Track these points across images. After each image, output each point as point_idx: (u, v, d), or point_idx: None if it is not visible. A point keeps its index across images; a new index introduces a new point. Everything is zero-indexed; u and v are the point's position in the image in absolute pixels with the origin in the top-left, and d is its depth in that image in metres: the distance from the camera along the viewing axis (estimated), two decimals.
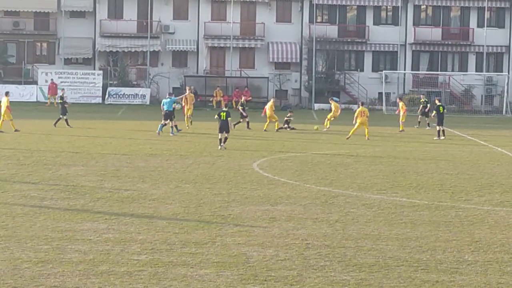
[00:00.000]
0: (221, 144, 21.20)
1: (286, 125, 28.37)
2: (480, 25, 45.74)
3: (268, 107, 28.36)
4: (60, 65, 44.31)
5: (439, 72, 45.65)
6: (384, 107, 42.46)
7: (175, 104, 25.94)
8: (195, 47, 44.89)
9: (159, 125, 25.18)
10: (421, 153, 21.73)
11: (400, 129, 28.78)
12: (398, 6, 45.42)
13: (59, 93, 29.61)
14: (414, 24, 45.91)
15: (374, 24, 45.82)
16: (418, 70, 46.02)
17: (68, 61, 44.63)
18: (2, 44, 44.71)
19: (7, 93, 25.88)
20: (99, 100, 42.41)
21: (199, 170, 16.90)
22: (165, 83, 44.01)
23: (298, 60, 45.32)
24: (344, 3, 45.30)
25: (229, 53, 44.90)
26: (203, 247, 9.87)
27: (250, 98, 39.63)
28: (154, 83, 44.48)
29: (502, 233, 11.24)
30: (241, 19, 45.40)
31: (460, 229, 11.43)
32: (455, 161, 19.97)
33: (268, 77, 44.10)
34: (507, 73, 45.20)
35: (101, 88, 42.56)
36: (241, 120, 28.14)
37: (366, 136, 25.51)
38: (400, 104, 29.85)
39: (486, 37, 44.70)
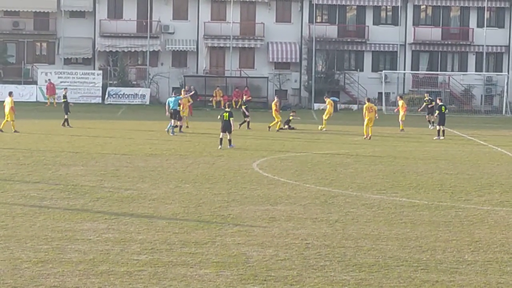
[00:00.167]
0: (221, 144, 21.21)
1: (286, 126, 28.33)
2: (479, 25, 45.75)
3: (272, 105, 28.32)
4: (60, 65, 44.30)
5: (438, 72, 45.66)
6: (384, 107, 42.45)
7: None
8: (195, 47, 44.89)
9: (171, 127, 25.20)
10: (421, 153, 21.74)
11: (400, 128, 28.76)
12: (398, 6, 45.43)
13: (62, 92, 29.56)
14: (413, 24, 45.91)
15: (373, 24, 45.82)
16: (418, 70, 46.02)
17: (68, 61, 44.61)
18: (1, 44, 44.70)
19: (10, 93, 25.90)
20: (99, 100, 42.40)
21: (198, 170, 16.90)
22: (165, 83, 44.01)
23: (298, 60, 45.31)
24: (343, 3, 45.29)
25: (228, 53, 44.89)
26: (203, 247, 9.87)
27: (250, 98, 39.64)
28: (154, 83, 44.48)
29: (502, 233, 11.25)
30: (241, 19, 45.40)
31: (460, 229, 11.43)
32: (455, 161, 19.97)
33: (267, 77, 44.10)
34: (506, 73, 45.19)
35: (100, 88, 42.55)
36: (246, 119, 28.10)
37: (365, 134, 25.50)
38: (400, 103, 29.76)
39: (486, 37, 44.70)
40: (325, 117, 29.12)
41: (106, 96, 42.46)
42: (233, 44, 44.75)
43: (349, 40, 45.52)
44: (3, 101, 26.11)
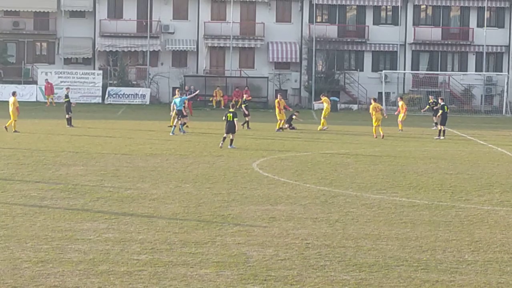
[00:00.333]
0: (223, 141, 21.22)
1: (287, 125, 28.25)
2: (480, 25, 45.75)
3: (275, 104, 28.22)
4: (60, 65, 44.31)
5: (439, 72, 45.66)
6: (384, 107, 42.44)
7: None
8: (195, 47, 44.89)
9: (180, 126, 25.23)
10: (421, 153, 21.74)
11: (399, 128, 28.75)
12: (398, 6, 45.43)
13: (64, 92, 29.53)
14: (414, 24, 45.91)
15: (374, 24, 45.83)
16: (418, 70, 46.02)
17: (68, 61, 44.62)
18: (2, 44, 44.70)
19: (14, 93, 25.94)
20: (99, 100, 42.41)
21: (199, 170, 16.90)
22: (165, 83, 44.02)
23: (298, 60, 45.32)
24: (343, 3, 45.30)
25: (228, 53, 44.90)
26: (203, 247, 9.87)
27: (250, 98, 39.62)
28: (154, 83, 44.49)
29: (502, 233, 11.25)
30: (241, 19, 45.41)
31: (460, 229, 11.43)
32: (455, 161, 19.97)
33: (268, 77, 44.11)
34: (506, 73, 45.21)
35: (101, 88, 42.56)
36: (246, 119, 28.10)
37: (375, 134, 25.52)
38: (400, 103, 29.73)
39: (486, 37, 44.71)
40: (323, 115, 29.09)
41: (106, 96, 42.46)
42: (233, 44, 44.75)
43: (349, 40, 45.52)
44: (7, 101, 26.09)
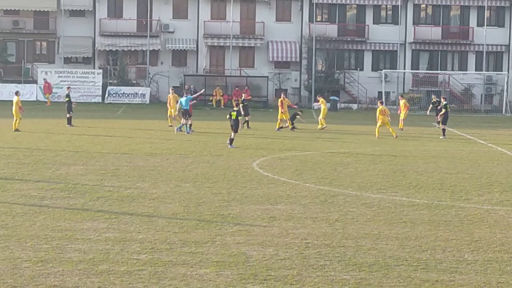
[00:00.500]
0: (232, 144, 21.30)
1: (291, 124, 28.10)
2: (480, 24, 45.74)
3: (278, 103, 28.16)
4: (60, 64, 44.30)
5: (438, 71, 45.65)
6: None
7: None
8: (195, 46, 44.89)
9: (184, 127, 25.28)
10: (420, 152, 21.74)
11: (400, 127, 28.73)
12: (398, 5, 45.42)
13: (65, 91, 29.51)
14: (414, 23, 45.90)
15: (374, 23, 45.82)
16: (418, 69, 46.01)
17: (67, 60, 44.62)
18: (1, 43, 44.69)
19: (17, 93, 25.98)
20: (99, 99, 42.41)
21: (199, 169, 16.90)
22: (165, 82, 44.00)
23: (298, 59, 45.32)
24: (343, 2, 45.29)
25: (228, 52, 44.89)
26: (203, 247, 9.88)
27: (250, 97, 39.61)
28: (154, 82, 44.49)
29: (502, 233, 11.25)
30: (241, 18, 45.40)
31: (459, 229, 11.43)
32: (455, 160, 19.97)
33: (268, 76, 44.10)
34: (506, 72, 45.20)
35: (100, 87, 42.56)
36: (247, 118, 28.10)
37: (394, 134, 25.56)
38: (402, 102, 29.58)
39: (486, 36, 44.70)
40: (321, 116, 29.09)
41: (106, 95, 42.46)
42: (233, 43, 44.75)
43: (349, 39, 45.52)
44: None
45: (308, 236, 10.66)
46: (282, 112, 27.67)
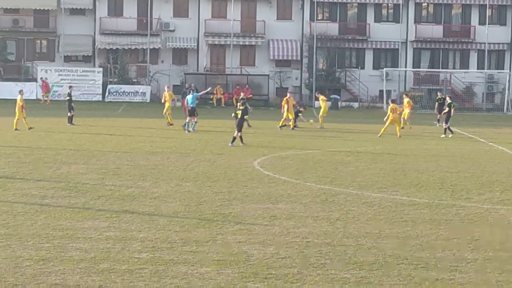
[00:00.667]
0: (242, 141, 21.39)
1: (291, 122, 28.07)
2: (481, 22, 45.69)
3: (283, 103, 28.14)
4: (60, 63, 44.30)
5: (440, 70, 45.62)
6: (385, 105, 42.43)
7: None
8: (196, 44, 44.88)
9: (187, 124, 25.33)
10: (421, 151, 21.74)
11: (401, 125, 28.65)
12: (399, 4, 45.38)
13: (67, 90, 29.52)
14: (415, 22, 45.87)
15: (375, 21, 45.78)
16: (419, 67, 45.98)
17: (68, 59, 44.62)
18: (1, 42, 44.69)
19: (20, 92, 26.05)
20: (99, 97, 42.42)
21: (199, 168, 16.91)
22: (165, 80, 43.98)
23: (299, 58, 45.30)
24: (345, 0, 45.26)
25: (229, 50, 44.89)
26: (204, 245, 9.89)
27: (251, 95, 39.62)
28: (154, 81, 44.48)
29: (502, 232, 11.26)
30: (242, 17, 45.37)
31: (460, 227, 11.44)
32: (456, 159, 19.97)
33: (268, 75, 44.09)
34: (508, 71, 45.16)
35: (101, 86, 42.56)
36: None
37: (398, 133, 25.55)
38: (406, 100, 29.28)
39: (488, 34, 44.66)
40: (321, 114, 29.06)
41: (107, 93, 42.46)
42: (233, 42, 44.74)
43: (350, 37, 45.50)
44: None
45: (309, 235, 10.67)
46: (287, 111, 27.64)
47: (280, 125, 27.70)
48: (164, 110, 28.17)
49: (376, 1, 45.53)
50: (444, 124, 26.60)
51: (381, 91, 43.81)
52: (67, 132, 24.84)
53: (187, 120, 25.54)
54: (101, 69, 43.55)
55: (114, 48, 44.20)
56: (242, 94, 30.32)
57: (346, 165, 18.07)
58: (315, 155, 19.94)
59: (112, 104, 40.38)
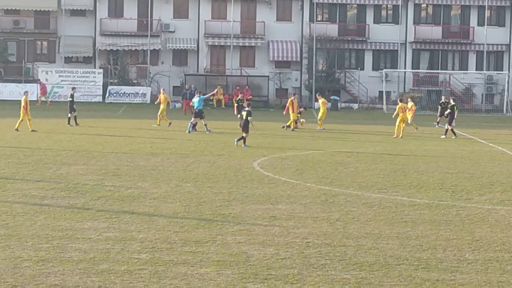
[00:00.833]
0: (245, 143, 21.44)
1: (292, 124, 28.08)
2: (480, 23, 45.71)
3: (288, 104, 28.14)
4: (61, 64, 44.32)
5: (439, 71, 45.64)
6: (384, 106, 42.46)
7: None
8: (196, 45, 44.90)
9: (189, 124, 25.44)
10: (421, 152, 21.73)
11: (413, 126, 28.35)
12: (399, 5, 45.41)
13: (70, 91, 29.54)
14: (414, 23, 45.89)
15: (374, 22, 45.81)
16: (419, 68, 46.00)
17: (68, 60, 44.64)
18: (2, 43, 44.71)
19: (25, 93, 26.10)
20: (100, 98, 42.42)
21: (199, 169, 16.90)
22: (166, 81, 44.01)
23: (299, 59, 45.31)
24: (344, 1, 45.29)
25: (229, 51, 44.90)
26: (204, 246, 9.88)
27: (251, 96, 39.61)
28: (154, 82, 44.49)
29: (503, 232, 11.25)
30: (242, 18, 45.40)
31: (460, 228, 11.43)
32: (456, 160, 19.96)
33: (268, 76, 44.10)
34: (507, 72, 45.18)
35: (101, 87, 42.57)
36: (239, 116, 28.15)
37: (401, 134, 25.51)
38: (410, 104, 28.47)
39: (487, 35, 44.69)
40: (320, 117, 29.06)
41: (107, 94, 42.47)
42: (233, 43, 44.75)
43: (349, 38, 45.52)
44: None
45: (309, 235, 10.66)
46: (292, 113, 27.68)
47: (287, 124, 27.70)
48: (159, 112, 28.33)
49: (375, 2, 45.56)
50: (447, 125, 26.58)
51: (380, 92, 43.82)
52: (67, 133, 24.83)
53: (192, 121, 25.63)
54: (101, 70, 43.56)
55: (115, 49, 44.21)
56: (240, 95, 30.30)
57: (346, 166, 18.06)
58: (315, 156, 19.93)
59: (112, 105, 40.39)
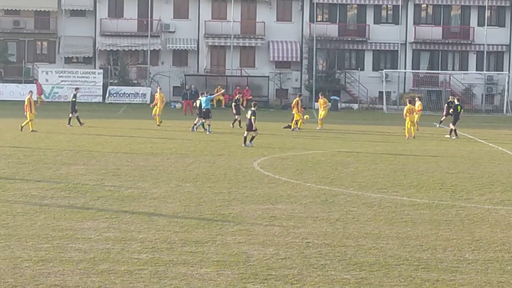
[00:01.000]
0: (245, 142, 21.48)
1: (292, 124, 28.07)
2: (480, 24, 45.70)
3: (293, 104, 28.17)
4: (61, 64, 44.31)
5: (439, 71, 45.63)
6: (384, 106, 42.47)
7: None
8: (196, 46, 44.89)
9: (198, 124, 25.45)
10: (421, 151, 21.73)
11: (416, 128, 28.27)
12: (399, 5, 45.40)
13: (73, 91, 29.57)
14: (414, 23, 45.89)
15: (374, 23, 45.80)
16: (419, 69, 46.00)
17: (68, 60, 44.63)
18: (2, 43, 44.71)
19: (29, 92, 26.14)
20: (100, 99, 42.42)
21: (199, 169, 16.90)
22: (166, 82, 44.01)
23: (299, 59, 45.30)
24: (344, 2, 45.27)
25: (229, 52, 44.89)
26: (204, 246, 9.87)
27: (251, 97, 39.61)
28: (154, 82, 44.48)
29: (503, 232, 11.25)
30: (242, 18, 45.39)
31: (460, 228, 11.43)
32: (456, 160, 19.96)
33: (268, 76, 44.10)
34: (507, 72, 45.18)
35: (101, 87, 42.57)
36: (236, 117, 28.17)
37: (406, 135, 25.51)
38: (418, 104, 28.21)
39: (487, 36, 44.67)
40: (319, 116, 29.09)
41: (107, 95, 42.47)
42: (233, 43, 44.74)
43: (349, 39, 45.51)
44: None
45: (309, 235, 10.65)
46: (297, 113, 27.71)
47: (299, 127, 27.72)
48: (153, 112, 28.44)
49: (376, 3, 45.56)
50: (451, 125, 26.58)
51: (380, 93, 43.81)
52: (67, 133, 24.84)
53: (195, 122, 25.72)
54: (101, 70, 43.55)
55: (115, 49, 44.20)
56: (238, 95, 30.32)
57: (346, 166, 18.06)
58: (315, 156, 19.93)
59: (112, 106, 40.39)
